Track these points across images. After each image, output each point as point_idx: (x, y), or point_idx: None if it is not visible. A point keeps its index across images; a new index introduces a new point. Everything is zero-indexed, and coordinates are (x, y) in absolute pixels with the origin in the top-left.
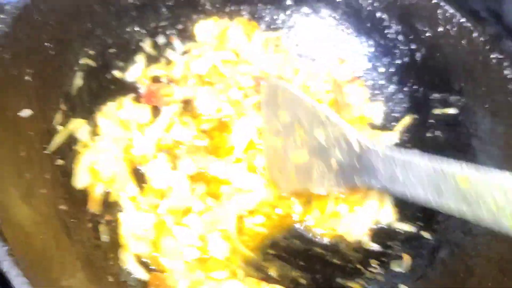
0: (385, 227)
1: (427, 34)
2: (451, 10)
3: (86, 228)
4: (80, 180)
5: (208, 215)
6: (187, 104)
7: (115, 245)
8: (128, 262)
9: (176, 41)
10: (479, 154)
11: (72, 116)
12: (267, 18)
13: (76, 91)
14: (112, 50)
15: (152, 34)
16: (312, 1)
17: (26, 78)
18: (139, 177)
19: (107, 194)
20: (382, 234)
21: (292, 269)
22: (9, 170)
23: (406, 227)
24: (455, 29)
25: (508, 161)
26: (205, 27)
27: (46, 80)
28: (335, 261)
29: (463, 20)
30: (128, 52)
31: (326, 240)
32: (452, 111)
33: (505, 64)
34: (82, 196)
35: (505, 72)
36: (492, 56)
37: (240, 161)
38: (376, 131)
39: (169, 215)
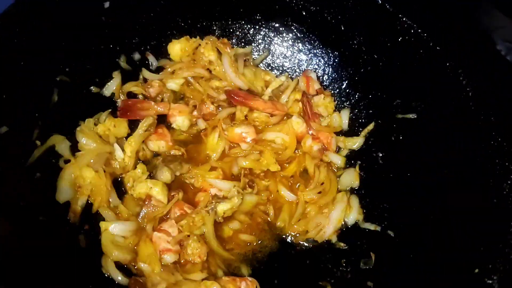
0: (353, 227)
1: (388, 44)
2: (409, 22)
3: (66, 238)
4: (63, 195)
5: (185, 221)
6: (162, 118)
7: (94, 253)
8: (109, 269)
9: (151, 57)
10: (439, 155)
11: (51, 132)
12: (237, 33)
13: (52, 107)
14: (88, 67)
15: (127, 51)
16: (280, 15)
17: (2, 95)
18: (120, 188)
19: (88, 205)
20: (350, 234)
21: (267, 270)
22: None
23: (372, 227)
24: (412, 39)
25: (464, 162)
26: (178, 46)
27: (22, 97)
28: (307, 261)
29: (419, 31)
30: (103, 69)
31: (298, 242)
32: (413, 115)
33: (459, 71)
34: (61, 207)
35: (460, 78)
36: (447, 64)
37: (216, 170)
38: (343, 137)
39: (148, 222)
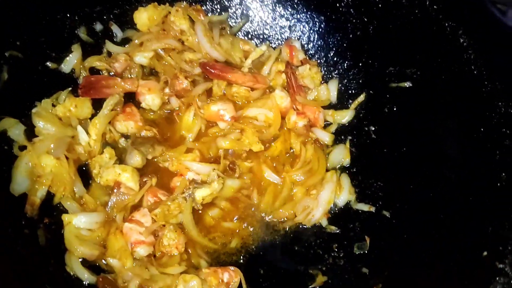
0: (345, 209)
1: (379, 6)
2: None
3: (22, 234)
4: (19, 186)
5: (160, 209)
6: (130, 96)
7: (56, 250)
8: (74, 267)
9: (115, 27)
10: (437, 127)
11: (1, 115)
12: None
13: (2, 86)
14: (42, 39)
15: (87, 21)
16: None
17: None
18: (85, 176)
19: (48, 196)
20: (341, 217)
21: (254, 258)
22: None
23: (366, 208)
24: None
25: (466, 133)
26: (145, 14)
27: None
28: (296, 248)
29: None
30: (61, 41)
31: (285, 227)
32: (408, 84)
33: (460, 32)
34: (15, 200)
35: (461, 40)
36: (446, 24)
37: (192, 151)
38: (332, 111)
39: (117, 212)
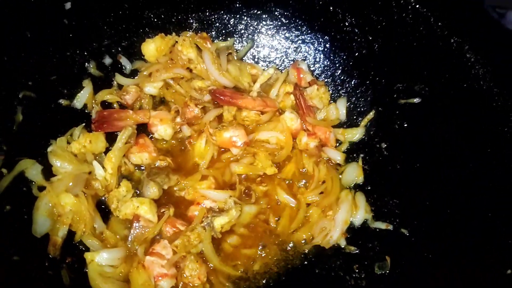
0: (362, 228)
1: (383, 24)
2: None
3: (46, 275)
4: (41, 227)
5: (180, 240)
6: (142, 127)
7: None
8: None
9: (123, 60)
10: (448, 141)
11: (18, 156)
12: (217, 24)
13: (17, 127)
14: (53, 78)
15: (96, 55)
16: (262, 1)
17: None
18: (103, 210)
19: (68, 235)
20: (360, 236)
21: (276, 283)
22: None
23: (383, 226)
24: (410, 15)
25: (478, 145)
26: (152, 45)
27: None
28: (317, 271)
29: (418, 6)
30: (72, 78)
31: (305, 250)
32: (417, 100)
33: (466, 47)
34: (37, 243)
35: (467, 55)
36: (452, 40)
37: (207, 178)
38: (342, 129)
39: (138, 246)
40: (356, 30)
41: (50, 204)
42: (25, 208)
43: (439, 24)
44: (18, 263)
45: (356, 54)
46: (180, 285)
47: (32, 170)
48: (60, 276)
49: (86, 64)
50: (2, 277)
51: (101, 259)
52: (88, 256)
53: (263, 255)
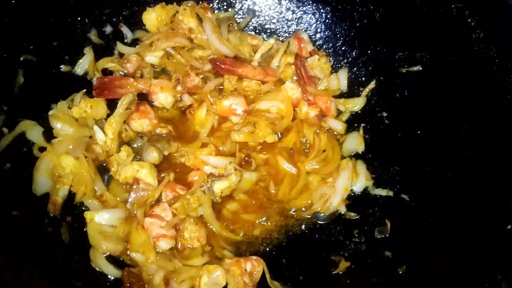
0: (362, 195)
1: None
2: None
3: (45, 232)
4: (41, 187)
5: (179, 203)
6: (143, 96)
7: (79, 246)
8: (99, 263)
9: (124, 29)
10: (449, 109)
11: (19, 118)
12: None
13: (18, 90)
14: (55, 43)
15: (97, 23)
16: None
17: None
18: (104, 174)
19: (68, 196)
20: (360, 203)
21: (275, 248)
22: None
23: (384, 192)
24: None
25: (478, 113)
26: (153, 15)
27: None
28: (317, 236)
29: None
30: (73, 45)
31: (305, 216)
32: (418, 68)
33: (467, 13)
34: (36, 200)
35: (468, 20)
36: (452, 6)
37: (207, 146)
38: (343, 99)
39: (138, 208)
40: (357, 0)
41: (51, 165)
42: (26, 167)
43: None
44: (17, 219)
45: (357, 24)
46: (180, 246)
47: (33, 131)
48: (60, 233)
49: (88, 32)
50: (4, 232)
51: (101, 219)
52: (88, 215)
53: (262, 219)
